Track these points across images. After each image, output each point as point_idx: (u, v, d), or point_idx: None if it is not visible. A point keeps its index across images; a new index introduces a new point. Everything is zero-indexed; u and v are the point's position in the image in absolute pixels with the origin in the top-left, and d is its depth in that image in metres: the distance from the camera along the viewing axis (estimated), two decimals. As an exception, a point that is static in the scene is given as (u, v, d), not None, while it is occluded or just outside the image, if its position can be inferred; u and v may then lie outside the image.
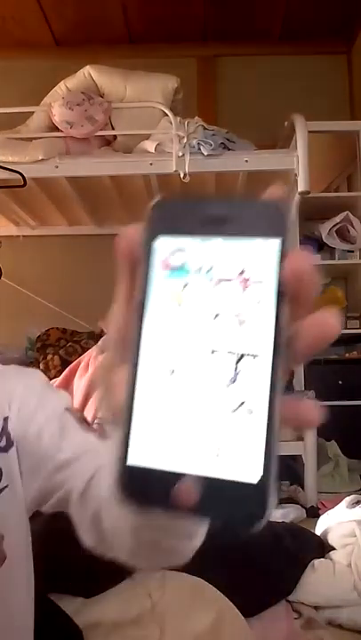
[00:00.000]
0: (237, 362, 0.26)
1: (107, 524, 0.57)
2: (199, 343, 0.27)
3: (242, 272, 0.27)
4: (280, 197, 0.27)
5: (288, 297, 0.27)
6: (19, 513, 0.70)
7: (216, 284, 0.27)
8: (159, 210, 0.29)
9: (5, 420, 0.69)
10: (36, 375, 0.77)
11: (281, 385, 0.26)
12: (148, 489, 0.27)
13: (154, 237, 0.28)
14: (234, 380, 0.26)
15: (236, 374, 0.26)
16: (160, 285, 0.28)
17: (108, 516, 0.57)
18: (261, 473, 0.25)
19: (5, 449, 0.68)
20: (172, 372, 0.27)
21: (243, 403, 0.26)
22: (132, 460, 0.27)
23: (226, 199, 0.27)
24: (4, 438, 0.68)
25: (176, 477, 0.26)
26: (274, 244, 0.27)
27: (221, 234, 0.27)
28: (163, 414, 0.27)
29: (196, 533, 0.48)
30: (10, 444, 0.68)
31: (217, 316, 0.27)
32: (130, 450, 0.27)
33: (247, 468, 0.25)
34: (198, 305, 0.27)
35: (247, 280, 0.27)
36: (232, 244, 0.27)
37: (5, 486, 0.68)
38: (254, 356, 0.26)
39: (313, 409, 0.30)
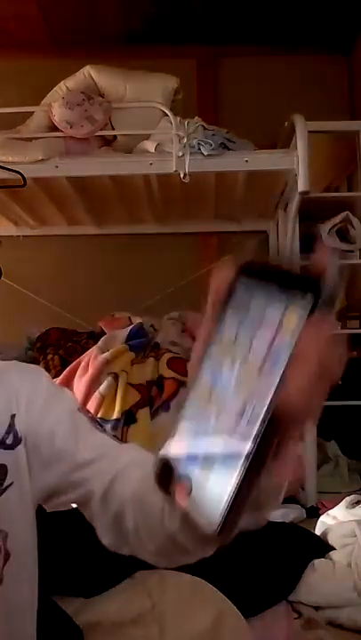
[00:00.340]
0: (241, 415, 0.30)
1: (129, 524, 0.60)
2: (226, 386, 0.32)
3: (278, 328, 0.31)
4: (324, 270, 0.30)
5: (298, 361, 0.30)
6: (24, 510, 0.70)
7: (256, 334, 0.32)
8: (245, 270, 0.33)
9: (13, 417, 0.69)
10: (40, 373, 0.78)
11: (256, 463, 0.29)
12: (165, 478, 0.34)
13: (234, 288, 0.34)
14: (233, 432, 0.31)
15: (237, 426, 0.30)
16: (226, 323, 0.33)
17: (130, 517, 0.60)
18: (220, 515, 0.29)
19: (12, 446, 0.68)
20: (208, 398, 0.33)
21: (210, 448, 0.31)
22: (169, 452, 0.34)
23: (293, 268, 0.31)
24: (12, 435, 0.69)
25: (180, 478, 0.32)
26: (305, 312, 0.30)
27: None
28: (190, 431, 0.33)
29: (214, 541, 0.49)
30: (17, 441, 0.69)
31: (244, 361, 0.31)
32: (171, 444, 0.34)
33: (212, 513, 0.30)
34: (240, 350, 0.32)
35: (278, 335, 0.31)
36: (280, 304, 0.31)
37: (11, 483, 0.68)
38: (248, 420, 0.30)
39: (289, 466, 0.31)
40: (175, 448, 0.34)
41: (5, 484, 0.68)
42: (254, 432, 0.29)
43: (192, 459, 0.33)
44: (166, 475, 0.34)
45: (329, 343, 0.30)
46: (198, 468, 0.32)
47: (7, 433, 0.69)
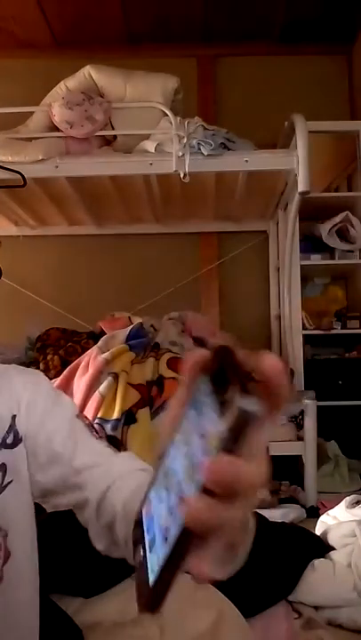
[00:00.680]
0: (180, 499, 0.32)
1: (120, 534, 0.62)
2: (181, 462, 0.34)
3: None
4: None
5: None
6: (24, 508, 0.71)
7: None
8: (217, 354, 0.35)
9: (14, 417, 0.71)
10: (40, 376, 0.79)
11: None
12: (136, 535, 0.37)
13: (200, 372, 0.35)
14: (172, 511, 0.33)
15: (173, 507, 0.33)
16: (189, 413, 0.35)
17: (120, 528, 0.61)
18: (151, 583, 0.32)
19: (12, 445, 0.70)
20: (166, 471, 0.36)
21: (161, 521, 0.34)
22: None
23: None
24: (12, 435, 0.70)
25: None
26: None
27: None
28: (154, 501, 0.37)
29: None
30: (17, 440, 0.70)
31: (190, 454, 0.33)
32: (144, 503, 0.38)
33: (152, 569, 0.32)
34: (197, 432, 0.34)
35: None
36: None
37: (10, 481, 0.69)
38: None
39: (204, 571, 0.33)
40: (145, 509, 0.37)
41: (5, 482, 0.69)
42: (179, 529, 0.31)
43: (148, 524, 0.36)
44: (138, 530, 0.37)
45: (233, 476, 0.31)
46: (149, 535, 0.35)
47: (8, 432, 0.70)
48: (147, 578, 0.33)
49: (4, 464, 0.69)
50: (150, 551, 0.34)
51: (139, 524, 0.37)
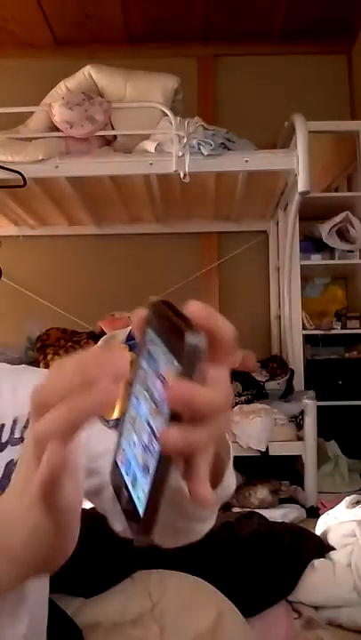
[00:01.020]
0: (152, 434, 0.36)
1: None
2: (143, 409, 0.39)
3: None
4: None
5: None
6: None
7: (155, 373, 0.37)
8: (153, 308, 0.39)
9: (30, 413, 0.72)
10: None
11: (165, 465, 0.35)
12: (116, 481, 0.42)
13: (146, 326, 0.40)
14: (147, 448, 0.36)
15: (148, 444, 0.36)
16: (142, 361, 0.40)
17: None
18: (141, 512, 0.35)
19: None
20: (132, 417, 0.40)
21: (137, 460, 0.38)
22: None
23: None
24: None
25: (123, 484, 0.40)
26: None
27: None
28: (125, 446, 0.41)
29: (207, 518, 0.60)
30: None
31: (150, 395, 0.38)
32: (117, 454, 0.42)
33: (140, 501, 0.36)
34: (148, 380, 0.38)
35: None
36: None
37: None
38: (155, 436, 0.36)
39: (204, 492, 0.36)
40: (118, 458, 0.42)
41: None
42: (157, 457, 0.35)
43: (126, 468, 0.40)
44: (116, 476, 0.42)
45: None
46: (130, 477, 0.39)
47: (25, 428, 0.72)
48: (136, 510, 0.36)
49: None
50: (133, 487, 0.38)
51: (117, 472, 0.41)
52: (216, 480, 0.51)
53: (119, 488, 0.41)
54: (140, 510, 0.36)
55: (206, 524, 0.63)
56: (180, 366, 0.34)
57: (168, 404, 0.34)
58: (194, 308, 0.36)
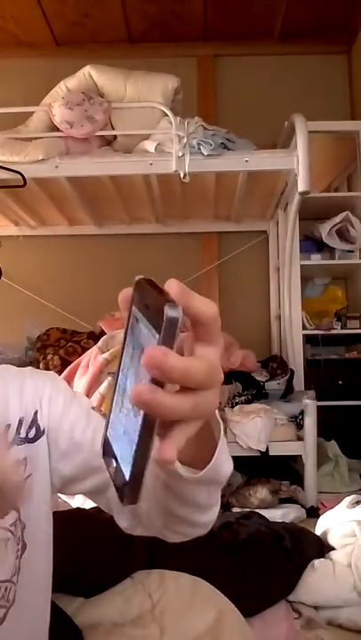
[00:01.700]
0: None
1: (142, 508, 0.67)
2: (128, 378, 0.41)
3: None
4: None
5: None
6: (42, 501, 0.73)
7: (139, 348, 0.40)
8: (137, 286, 0.42)
9: (36, 413, 0.75)
10: (57, 376, 0.84)
11: (147, 428, 0.37)
12: (107, 455, 0.44)
13: (131, 304, 0.42)
14: (132, 417, 0.39)
15: (133, 414, 0.38)
16: (128, 338, 0.42)
17: (142, 502, 0.63)
18: (127, 478, 0.37)
19: (34, 439, 0.73)
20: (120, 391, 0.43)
21: (124, 431, 0.40)
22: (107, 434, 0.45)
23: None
24: (34, 429, 0.74)
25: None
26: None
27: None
28: (114, 418, 0.44)
29: (206, 508, 0.62)
30: (39, 434, 0.74)
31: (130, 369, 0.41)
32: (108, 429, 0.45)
33: (126, 468, 0.38)
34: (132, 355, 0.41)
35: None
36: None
37: (29, 475, 0.72)
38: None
39: (165, 449, 0.38)
40: (109, 432, 0.44)
41: (25, 475, 0.71)
42: (140, 423, 0.37)
43: (114, 440, 0.42)
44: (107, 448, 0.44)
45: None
46: (118, 448, 0.41)
47: (30, 427, 0.74)
48: (123, 476, 0.38)
49: (25, 458, 0.72)
50: (122, 458, 0.40)
51: (107, 446, 0.44)
52: (204, 458, 0.52)
53: (110, 461, 0.43)
54: (127, 475, 0.38)
55: (206, 514, 0.63)
56: (160, 338, 0.36)
57: (147, 372, 0.36)
58: (171, 286, 0.38)
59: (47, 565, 0.75)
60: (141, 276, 0.43)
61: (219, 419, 0.52)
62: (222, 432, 0.53)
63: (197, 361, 0.38)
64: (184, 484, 0.55)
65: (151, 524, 0.68)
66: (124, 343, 0.43)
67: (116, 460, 0.41)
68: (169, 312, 0.35)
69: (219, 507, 0.65)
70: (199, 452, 0.52)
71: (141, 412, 0.37)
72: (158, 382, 0.36)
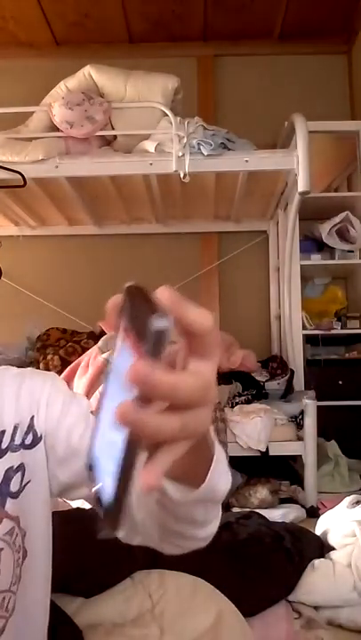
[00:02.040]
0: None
1: (138, 516, 0.64)
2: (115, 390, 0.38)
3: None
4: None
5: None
6: (41, 508, 0.72)
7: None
8: (127, 294, 0.39)
9: (32, 418, 0.73)
10: (56, 377, 0.82)
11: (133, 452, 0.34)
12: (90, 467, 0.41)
13: (121, 312, 0.39)
14: (116, 434, 0.36)
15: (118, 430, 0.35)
16: (117, 344, 0.39)
17: (138, 512, 0.63)
18: (112, 499, 0.35)
19: (31, 446, 0.71)
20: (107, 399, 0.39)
21: (116, 452, 0.36)
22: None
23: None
24: (31, 435, 0.72)
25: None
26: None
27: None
28: (100, 431, 0.40)
29: (204, 524, 0.59)
30: (37, 440, 0.72)
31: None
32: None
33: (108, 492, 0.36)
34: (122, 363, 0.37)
35: None
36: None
37: (29, 481, 0.71)
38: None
39: (147, 476, 0.35)
40: (95, 443, 0.41)
41: (24, 482, 0.70)
42: (123, 444, 0.34)
43: (100, 453, 0.39)
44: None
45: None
46: (102, 462, 0.38)
47: (26, 433, 0.72)
48: (105, 500, 0.36)
49: (22, 464, 0.70)
50: (104, 473, 0.37)
51: (93, 457, 0.41)
52: (199, 474, 0.49)
53: (91, 477, 0.40)
54: (109, 500, 0.35)
55: (204, 529, 0.60)
56: (146, 349, 0.34)
57: (133, 386, 0.34)
58: (162, 294, 0.36)
59: (47, 571, 0.74)
60: (132, 283, 0.40)
61: (212, 435, 0.49)
62: (218, 446, 0.51)
63: (188, 376, 0.35)
64: (176, 504, 0.52)
65: (148, 534, 0.66)
66: (113, 354, 0.40)
67: (99, 474, 0.39)
68: (156, 323, 0.33)
69: (219, 520, 0.62)
70: (192, 468, 0.48)
71: (125, 431, 0.34)
72: (145, 399, 0.34)
